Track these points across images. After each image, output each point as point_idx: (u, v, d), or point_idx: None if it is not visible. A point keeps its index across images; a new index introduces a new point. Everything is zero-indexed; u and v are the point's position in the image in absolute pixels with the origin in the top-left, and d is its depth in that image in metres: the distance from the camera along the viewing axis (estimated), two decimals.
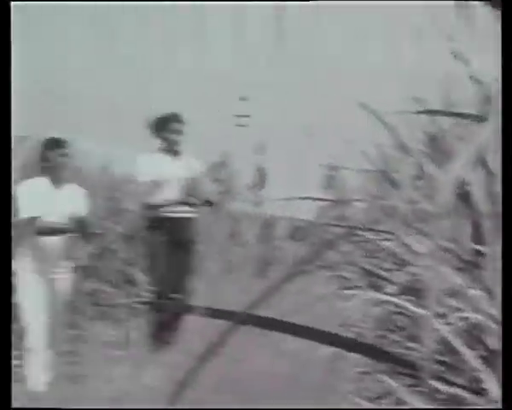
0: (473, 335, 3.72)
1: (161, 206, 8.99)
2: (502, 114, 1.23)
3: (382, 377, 4.31)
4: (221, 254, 19.21)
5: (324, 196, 16.61)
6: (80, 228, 7.75)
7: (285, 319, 3.58)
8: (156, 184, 8.90)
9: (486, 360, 3.39)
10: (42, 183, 7.93)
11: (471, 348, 3.54)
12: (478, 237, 4.38)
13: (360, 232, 6.77)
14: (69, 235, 7.74)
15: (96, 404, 6.65)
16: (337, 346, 2.19)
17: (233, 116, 45.85)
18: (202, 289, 16.11)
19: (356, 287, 6.28)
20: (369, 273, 5.99)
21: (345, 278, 6.98)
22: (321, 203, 10.60)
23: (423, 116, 5.03)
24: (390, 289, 5.58)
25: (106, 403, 6.79)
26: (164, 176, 8.90)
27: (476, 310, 3.65)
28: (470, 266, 4.11)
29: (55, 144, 7.97)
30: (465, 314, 3.74)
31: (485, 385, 2.98)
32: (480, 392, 2.93)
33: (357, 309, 7.19)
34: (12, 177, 6.34)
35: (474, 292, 3.80)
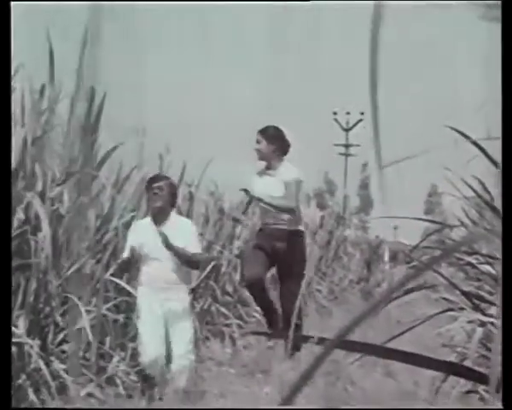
0: None
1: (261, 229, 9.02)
2: (502, 113, 1.17)
3: (485, 395, 4.24)
4: (329, 276, 19.12)
5: (429, 219, 16.43)
6: (189, 263, 7.68)
7: (391, 340, 3.55)
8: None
9: None
10: (145, 222, 7.85)
11: None
12: None
13: (463, 256, 6.69)
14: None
15: None
16: (438, 370, 2.15)
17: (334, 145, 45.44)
18: (312, 313, 16.19)
19: (459, 309, 6.19)
20: (471, 295, 5.90)
21: (448, 300, 6.88)
22: (424, 227, 10.40)
23: None
24: (492, 310, 5.49)
25: None
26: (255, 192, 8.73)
27: None
28: None
29: (152, 181, 7.80)
30: None
31: None
32: None
33: (460, 330, 7.11)
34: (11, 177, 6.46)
35: None
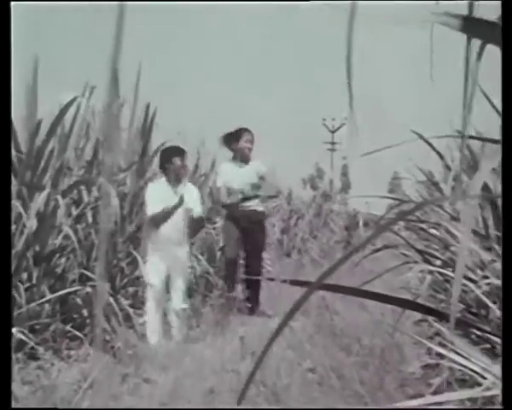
0: (495, 294, 3.71)
1: (231, 204, 8.35)
2: (502, 114, 1.18)
3: (433, 323, 4.30)
4: (319, 239, 19.29)
5: (392, 196, 16.37)
6: (194, 223, 7.30)
7: (364, 286, 3.62)
8: (227, 188, 8.33)
9: None
10: (162, 183, 7.28)
11: (495, 303, 3.53)
12: (498, 224, 4.36)
13: (417, 223, 6.77)
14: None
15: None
16: (398, 305, 2.22)
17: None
18: (309, 263, 16.33)
19: (414, 262, 6.26)
20: (422, 252, 5.98)
21: (406, 255, 6.96)
22: (388, 203, 10.42)
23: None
24: (438, 262, 5.58)
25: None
26: (232, 181, 8.27)
27: (498, 277, 3.65)
28: (494, 245, 4.10)
29: (176, 152, 7.32)
30: (490, 280, 3.74)
31: None
32: (499, 333, 2.93)
33: (414, 277, 7.19)
34: (11, 176, 6.10)
35: (496, 264, 3.80)
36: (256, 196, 8.38)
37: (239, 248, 8.42)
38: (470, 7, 1.46)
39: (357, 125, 1.32)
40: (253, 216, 8.21)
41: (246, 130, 8.40)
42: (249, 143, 8.33)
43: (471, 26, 1.25)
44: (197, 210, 7.25)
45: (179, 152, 7.33)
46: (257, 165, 8.33)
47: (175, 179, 7.22)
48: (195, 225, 7.41)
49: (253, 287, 8.17)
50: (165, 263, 7.04)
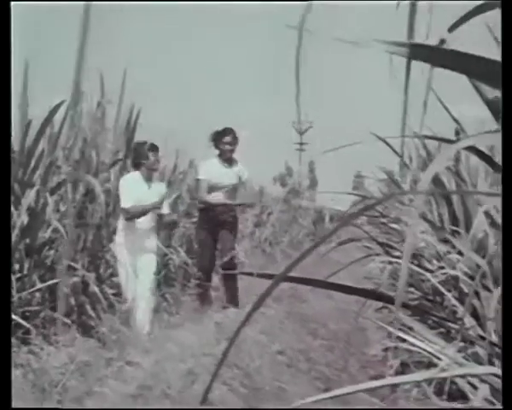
0: (450, 283, 3.73)
1: (211, 203, 7.87)
2: (502, 115, 1.17)
3: (393, 309, 4.30)
4: (289, 232, 19.29)
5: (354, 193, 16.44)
6: (164, 222, 7.08)
7: (329, 277, 3.61)
8: (210, 185, 7.83)
9: (461, 301, 3.40)
10: (137, 177, 6.93)
11: (449, 291, 3.55)
12: (452, 216, 4.39)
13: (379, 219, 6.80)
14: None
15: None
16: (361, 295, 2.22)
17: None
18: (279, 255, 16.36)
19: (376, 254, 6.29)
20: (383, 245, 6.01)
21: (368, 247, 6.98)
22: (352, 199, 10.47)
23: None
24: (397, 253, 5.60)
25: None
26: (216, 180, 7.80)
27: (452, 267, 3.67)
28: (449, 236, 4.12)
29: (151, 147, 6.96)
30: (445, 270, 3.76)
31: (459, 315, 2.99)
32: (454, 321, 2.94)
33: (376, 268, 7.21)
34: (11, 176, 5.98)
35: (451, 256, 3.82)
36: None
37: (213, 241, 8.04)
38: (411, 16, 1.46)
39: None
40: (226, 211, 7.89)
41: (229, 130, 7.97)
42: (229, 145, 7.88)
43: (411, 51, 1.25)
44: (165, 208, 7.03)
45: (153, 148, 7.04)
46: (240, 168, 7.96)
47: (147, 174, 6.96)
48: (165, 222, 7.19)
49: (228, 279, 7.82)
50: (134, 252, 6.76)
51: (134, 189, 6.82)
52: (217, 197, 7.81)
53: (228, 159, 7.90)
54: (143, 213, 6.78)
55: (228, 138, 7.85)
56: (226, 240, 7.87)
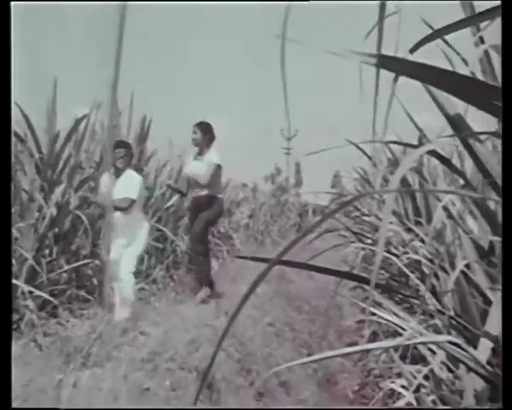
0: (414, 266, 3.73)
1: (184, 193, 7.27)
2: (503, 113, 1.15)
3: (365, 288, 4.30)
4: (278, 223, 19.29)
5: (333, 191, 16.45)
6: (123, 206, 5.97)
7: (311, 261, 3.61)
8: (187, 178, 7.08)
9: (422, 280, 3.40)
10: (110, 174, 6.36)
11: (413, 273, 3.55)
12: (415, 209, 4.40)
13: (354, 212, 6.81)
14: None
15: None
16: (338, 276, 2.22)
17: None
18: (269, 242, 16.38)
19: (351, 242, 6.30)
20: (357, 234, 6.01)
21: (345, 236, 6.98)
22: (331, 196, 10.49)
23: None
24: (368, 241, 5.61)
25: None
26: (190, 171, 7.01)
27: (416, 252, 3.67)
28: (413, 226, 4.13)
29: (118, 145, 6.22)
30: (409, 255, 3.76)
31: (421, 293, 2.99)
32: (418, 298, 2.94)
33: (351, 253, 7.22)
34: (11, 176, 5.73)
35: (415, 243, 3.82)
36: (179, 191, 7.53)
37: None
38: (380, 35, 1.45)
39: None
40: (197, 200, 7.03)
41: (195, 124, 7.12)
42: (193, 134, 7.04)
43: (379, 61, 1.24)
44: (129, 195, 6.04)
45: (118, 145, 6.23)
46: (211, 156, 7.04)
47: (115, 170, 6.16)
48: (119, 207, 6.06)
49: (196, 265, 7.03)
50: (119, 239, 6.05)
51: (103, 185, 6.25)
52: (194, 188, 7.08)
53: (198, 149, 7.11)
54: (100, 206, 6.37)
55: (194, 129, 7.09)
56: (195, 224, 6.93)
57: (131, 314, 5.56)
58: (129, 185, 6.05)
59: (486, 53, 1.52)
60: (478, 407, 1.70)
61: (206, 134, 7.01)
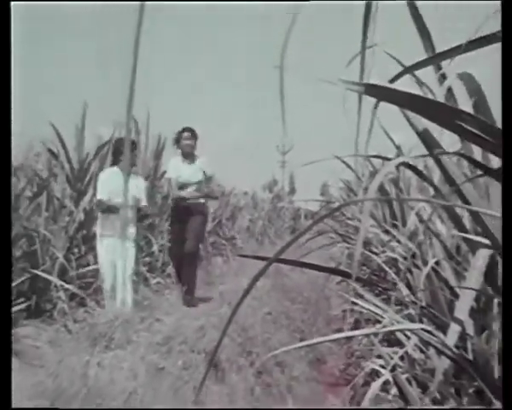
0: (391, 263, 3.73)
1: (184, 197, 6.24)
2: (502, 113, 1.15)
3: (350, 282, 4.27)
4: (274, 225, 19.27)
5: (322, 198, 16.40)
6: (139, 211, 5.62)
7: (303, 258, 3.60)
8: (179, 184, 6.28)
9: (398, 275, 3.40)
10: (115, 171, 5.58)
11: (390, 268, 3.55)
12: (394, 214, 4.39)
13: (340, 217, 6.79)
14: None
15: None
16: (326, 272, 2.21)
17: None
18: (267, 242, 16.35)
19: (337, 242, 6.29)
20: (343, 235, 6.00)
21: (332, 237, 6.97)
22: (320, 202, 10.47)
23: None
24: (353, 241, 5.59)
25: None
26: (183, 178, 6.29)
27: (392, 251, 3.67)
28: (390, 229, 4.12)
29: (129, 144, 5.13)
30: (387, 253, 3.76)
31: (398, 286, 2.98)
32: (394, 290, 2.94)
33: (337, 252, 7.20)
34: (11, 175, 5.43)
35: (392, 243, 3.82)
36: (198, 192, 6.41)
37: (183, 231, 6.35)
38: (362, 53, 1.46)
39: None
40: (193, 208, 6.31)
41: (186, 128, 6.41)
42: (188, 140, 6.33)
43: (365, 88, 1.24)
44: (143, 201, 5.67)
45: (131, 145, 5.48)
46: (202, 163, 6.35)
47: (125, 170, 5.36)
48: (141, 213, 5.75)
49: (188, 272, 6.27)
50: (113, 242, 5.45)
51: (109, 182, 5.56)
52: (188, 192, 6.34)
53: (188, 154, 6.35)
54: (111, 209, 5.49)
55: (186, 134, 6.36)
56: (192, 228, 6.24)
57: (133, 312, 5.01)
58: (143, 189, 5.71)
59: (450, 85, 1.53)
60: (478, 407, 1.63)
61: (197, 139, 6.40)
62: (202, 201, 6.37)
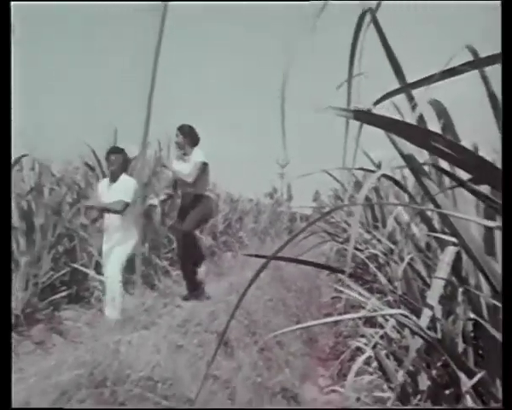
0: (373, 258, 3.72)
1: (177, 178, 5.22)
2: (503, 113, 1.14)
3: (340, 276, 4.26)
4: (274, 227, 19.21)
5: (315, 204, 16.37)
6: (117, 209, 4.73)
7: (298, 256, 3.58)
8: (171, 177, 5.40)
9: (379, 269, 3.40)
10: (106, 180, 5.01)
11: (372, 263, 3.54)
12: (375, 217, 4.38)
13: (331, 219, 6.78)
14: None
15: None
16: (316, 267, 2.21)
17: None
18: (268, 240, 16.32)
19: (327, 241, 6.28)
20: (332, 234, 5.99)
21: (323, 237, 6.96)
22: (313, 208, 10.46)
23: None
24: (341, 239, 5.58)
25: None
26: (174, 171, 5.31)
27: (374, 248, 3.66)
28: (372, 230, 4.12)
29: (112, 151, 4.92)
30: (370, 250, 3.75)
31: (378, 278, 2.98)
32: (375, 281, 2.93)
33: (328, 249, 7.18)
34: (12, 175, 4.88)
35: (375, 241, 3.81)
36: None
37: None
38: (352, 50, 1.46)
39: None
40: (185, 199, 5.48)
41: (179, 127, 5.47)
42: (176, 138, 5.40)
43: (354, 115, 1.25)
44: (123, 199, 4.75)
45: (113, 150, 4.97)
46: (196, 155, 5.36)
47: (110, 175, 4.93)
48: (115, 210, 4.77)
49: (184, 263, 5.42)
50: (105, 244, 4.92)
51: (99, 190, 5.04)
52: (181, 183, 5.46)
53: (182, 151, 5.42)
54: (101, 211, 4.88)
55: (176, 132, 5.41)
56: (184, 224, 5.31)
57: (123, 315, 4.35)
58: (123, 189, 4.80)
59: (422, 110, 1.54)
60: (478, 407, 1.53)
61: (186, 137, 5.37)
62: (206, 194, 5.42)
